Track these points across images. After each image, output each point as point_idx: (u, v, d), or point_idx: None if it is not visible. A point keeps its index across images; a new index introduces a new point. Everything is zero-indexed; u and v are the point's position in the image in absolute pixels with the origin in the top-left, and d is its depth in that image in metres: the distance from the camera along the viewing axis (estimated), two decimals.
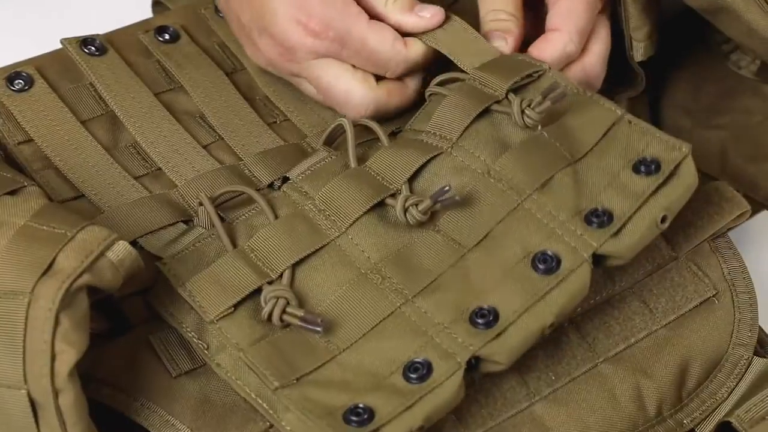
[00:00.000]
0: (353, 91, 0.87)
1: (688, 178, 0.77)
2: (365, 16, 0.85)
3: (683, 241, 0.84)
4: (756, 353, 0.82)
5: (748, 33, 0.84)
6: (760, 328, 0.83)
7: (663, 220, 0.76)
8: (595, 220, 0.76)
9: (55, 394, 0.67)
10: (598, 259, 0.76)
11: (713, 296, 0.83)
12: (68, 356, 0.67)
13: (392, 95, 0.88)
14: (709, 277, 0.83)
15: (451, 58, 0.86)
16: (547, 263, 0.74)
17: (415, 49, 0.87)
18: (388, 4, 0.86)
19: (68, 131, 0.85)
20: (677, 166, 0.77)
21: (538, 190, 0.78)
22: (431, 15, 0.87)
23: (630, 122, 0.79)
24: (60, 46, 0.90)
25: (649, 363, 0.80)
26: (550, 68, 0.84)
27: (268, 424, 0.73)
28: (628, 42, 0.90)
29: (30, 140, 0.85)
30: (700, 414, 0.80)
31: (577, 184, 0.78)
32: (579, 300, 0.74)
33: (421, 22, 0.87)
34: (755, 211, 0.90)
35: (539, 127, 0.81)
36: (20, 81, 0.86)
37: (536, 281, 0.74)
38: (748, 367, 0.81)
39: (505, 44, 0.87)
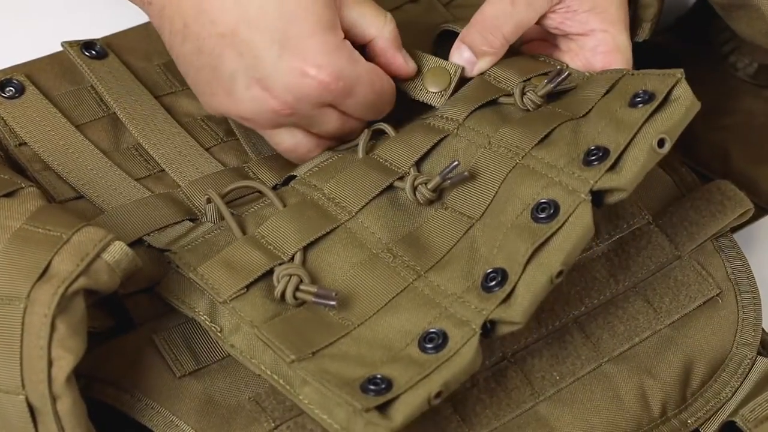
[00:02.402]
0: (356, 130, 0.81)
1: (685, 100, 0.73)
2: (364, 60, 0.78)
3: (686, 239, 0.82)
4: (759, 353, 0.80)
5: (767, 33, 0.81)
6: (763, 329, 0.81)
7: (661, 144, 0.72)
8: (592, 158, 0.73)
9: (53, 399, 0.65)
10: (602, 198, 0.73)
11: (717, 295, 0.81)
12: (65, 362, 0.65)
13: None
14: (712, 276, 0.81)
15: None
16: (546, 211, 0.72)
17: (392, 83, 0.81)
18: (385, 28, 0.80)
19: (63, 136, 0.83)
20: (671, 91, 0.74)
21: (537, 146, 0.75)
22: (413, 67, 0.82)
23: (633, 74, 0.77)
24: (59, 48, 0.88)
25: (653, 363, 0.78)
26: (567, 66, 0.82)
27: (273, 425, 0.71)
28: (631, 20, 0.86)
29: None
30: (704, 414, 0.78)
31: (576, 133, 0.75)
32: (584, 243, 0.71)
33: (404, 67, 0.81)
34: (757, 217, 0.88)
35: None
36: (11, 88, 0.84)
37: (536, 230, 0.71)
38: (752, 366, 0.80)
39: (470, 69, 0.82)
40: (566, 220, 0.71)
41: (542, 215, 0.71)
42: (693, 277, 0.81)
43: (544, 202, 0.72)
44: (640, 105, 0.73)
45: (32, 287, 0.65)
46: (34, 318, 0.65)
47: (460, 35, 0.83)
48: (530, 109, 0.79)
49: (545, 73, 0.81)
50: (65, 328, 0.65)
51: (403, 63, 0.81)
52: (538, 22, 0.83)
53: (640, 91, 0.74)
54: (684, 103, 0.73)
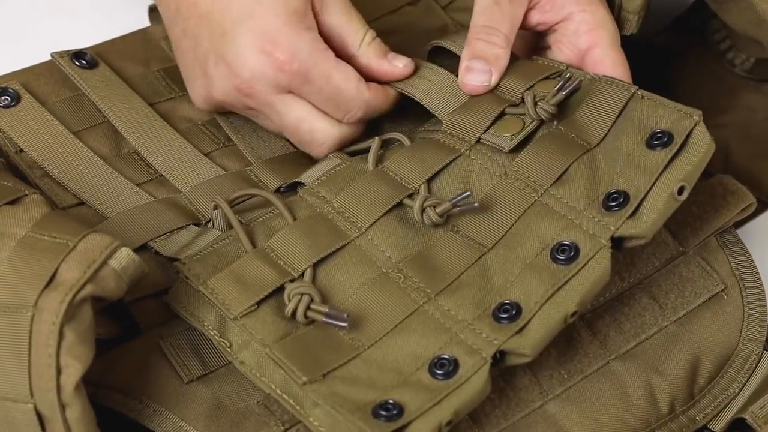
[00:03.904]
0: (317, 132, 0.81)
1: (702, 144, 0.73)
2: (332, 54, 0.79)
3: (690, 235, 0.81)
4: (765, 349, 0.79)
5: (758, 23, 0.81)
6: None
7: (680, 191, 0.72)
8: (612, 203, 0.73)
9: (62, 408, 0.64)
10: (620, 242, 0.73)
11: (722, 291, 0.80)
12: (74, 370, 0.64)
13: (355, 132, 0.82)
14: (717, 272, 0.80)
15: (426, 106, 0.81)
16: (566, 253, 0.72)
17: (376, 95, 0.80)
18: (362, 47, 0.80)
19: (62, 144, 0.82)
20: (689, 134, 0.73)
21: (555, 184, 0.75)
22: (404, 65, 0.81)
23: (642, 97, 0.76)
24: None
25: (660, 360, 0.77)
26: (568, 66, 0.81)
27: (282, 428, 0.71)
28: (617, 12, 0.85)
29: None
30: (712, 410, 0.78)
31: (594, 170, 0.75)
32: (601, 286, 0.71)
33: (394, 71, 0.81)
34: (759, 210, 0.87)
35: (555, 123, 0.78)
36: (7, 97, 0.83)
37: (556, 271, 0.71)
38: (759, 362, 0.79)
39: (488, 79, 0.80)
40: (585, 264, 0.71)
41: (561, 257, 0.72)
42: (698, 272, 0.80)
43: (565, 244, 0.72)
44: (659, 148, 0.73)
45: (39, 295, 0.64)
46: (42, 326, 0.64)
47: (463, 56, 0.80)
48: (544, 119, 0.77)
49: (547, 77, 0.80)
50: (73, 335, 0.64)
51: (389, 68, 0.81)
52: (525, 25, 0.82)
53: (658, 131, 0.74)
54: (702, 148, 0.73)
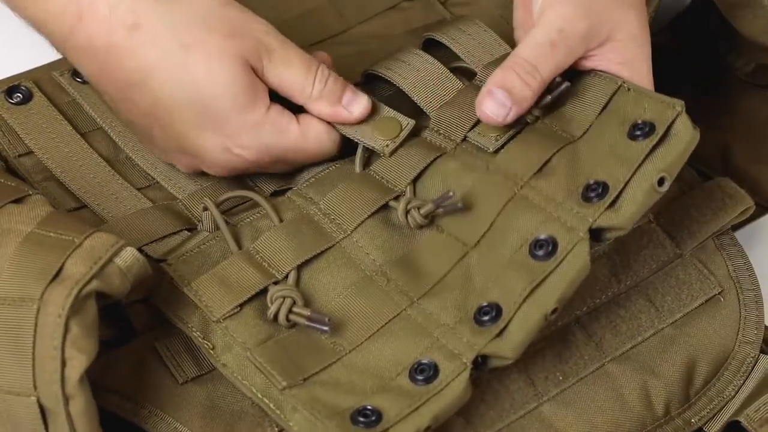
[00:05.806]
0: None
1: (684, 135, 0.72)
2: (296, 124, 0.77)
3: (688, 238, 0.82)
4: (761, 351, 0.80)
5: None
6: (766, 327, 0.81)
7: (661, 183, 0.72)
8: (591, 194, 0.72)
9: (66, 400, 0.65)
10: (599, 234, 0.72)
11: (719, 294, 0.81)
12: (78, 362, 0.65)
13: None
14: (714, 274, 0.81)
15: (414, 99, 0.81)
16: (544, 248, 0.71)
17: (334, 138, 0.79)
18: (313, 96, 0.77)
19: (68, 144, 0.82)
20: (671, 125, 0.73)
21: (536, 176, 0.75)
22: (360, 112, 0.78)
23: (629, 89, 0.76)
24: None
25: (656, 362, 0.78)
26: None
27: (276, 429, 0.71)
28: None
29: (30, 152, 0.82)
30: (707, 412, 0.78)
31: (575, 162, 0.75)
32: (580, 280, 0.71)
33: (349, 118, 0.78)
34: (758, 215, 0.88)
35: (540, 116, 0.78)
36: (19, 94, 0.84)
37: (534, 267, 0.71)
38: (755, 365, 0.79)
39: (504, 115, 0.75)
40: (564, 258, 0.71)
41: (540, 252, 0.71)
42: (695, 275, 0.80)
43: (542, 239, 0.71)
44: (640, 138, 0.73)
45: (45, 289, 0.65)
46: (47, 318, 0.64)
47: (490, 79, 0.76)
48: (529, 121, 0.77)
49: None
50: (78, 328, 0.65)
51: (346, 115, 0.78)
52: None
53: (640, 122, 0.73)
54: (684, 139, 0.72)
